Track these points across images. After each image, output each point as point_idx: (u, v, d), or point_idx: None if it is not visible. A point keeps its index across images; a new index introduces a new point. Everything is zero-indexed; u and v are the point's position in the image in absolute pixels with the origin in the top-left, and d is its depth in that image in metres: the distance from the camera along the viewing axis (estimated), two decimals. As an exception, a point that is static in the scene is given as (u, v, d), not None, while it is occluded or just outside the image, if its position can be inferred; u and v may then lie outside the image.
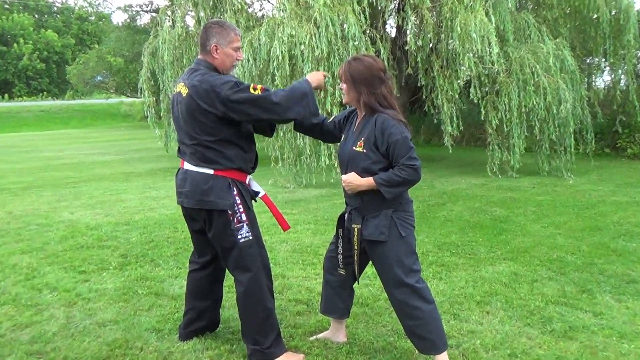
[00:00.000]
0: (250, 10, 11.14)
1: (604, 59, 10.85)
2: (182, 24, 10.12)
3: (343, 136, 2.77)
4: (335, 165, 7.85)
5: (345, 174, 2.62)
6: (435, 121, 10.25)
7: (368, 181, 2.53)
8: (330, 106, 7.51)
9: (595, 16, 9.76)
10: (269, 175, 8.61)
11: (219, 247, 2.76)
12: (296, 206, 6.86)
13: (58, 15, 47.95)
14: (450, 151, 8.98)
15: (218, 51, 2.71)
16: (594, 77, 11.54)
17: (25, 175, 10.16)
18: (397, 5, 9.82)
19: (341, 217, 2.79)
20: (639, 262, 4.34)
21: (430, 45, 9.13)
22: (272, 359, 2.74)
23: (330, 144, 7.54)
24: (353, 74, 2.58)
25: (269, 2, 15.31)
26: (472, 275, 4.07)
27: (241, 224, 2.68)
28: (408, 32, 8.80)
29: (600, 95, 10.67)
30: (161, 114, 10.88)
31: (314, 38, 7.63)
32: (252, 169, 2.84)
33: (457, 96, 8.79)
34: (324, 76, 2.81)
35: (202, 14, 9.77)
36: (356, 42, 7.73)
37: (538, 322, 3.22)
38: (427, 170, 9.51)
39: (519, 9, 9.79)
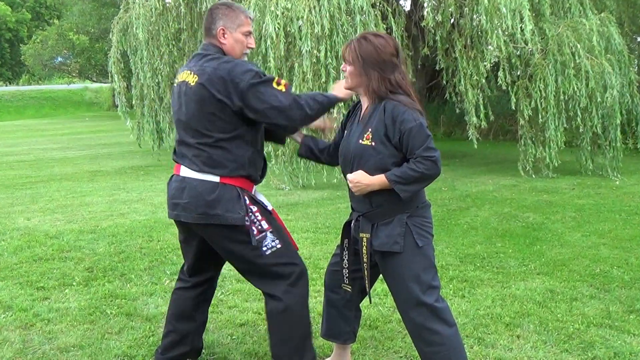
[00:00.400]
0: (238, -21, 11.15)
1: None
2: (159, -4, 10.13)
3: (346, 131, 2.73)
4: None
5: (351, 173, 2.60)
6: (457, 111, 10.24)
7: (379, 179, 2.50)
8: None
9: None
10: (260, 174, 8.62)
11: (239, 267, 2.77)
12: (292, 211, 6.88)
13: (11, -15, 48.01)
14: (475, 146, 8.97)
15: (226, 35, 2.70)
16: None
17: (-27, 174, 10.18)
18: (412, -27, 9.87)
19: (346, 225, 2.78)
20: (697, 277, 4.35)
21: (452, 20, 9.13)
22: None
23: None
24: (363, 54, 2.54)
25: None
26: (500, 292, 4.08)
27: (263, 233, 2.67)
28: (425, 5, 8.82)
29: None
30: (133, 102, 10.81)
31: (313, 12, 7.63)
32: (261, 177, 2.85)
33: (483, 81, 8.80)
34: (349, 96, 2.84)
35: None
36: (364, 17, 7.75)
37: (577, 348, 3.22)
38: (447, 169, 9.52)
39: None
